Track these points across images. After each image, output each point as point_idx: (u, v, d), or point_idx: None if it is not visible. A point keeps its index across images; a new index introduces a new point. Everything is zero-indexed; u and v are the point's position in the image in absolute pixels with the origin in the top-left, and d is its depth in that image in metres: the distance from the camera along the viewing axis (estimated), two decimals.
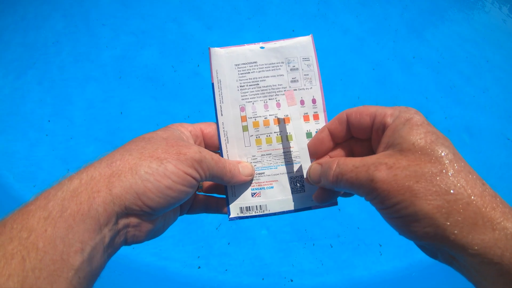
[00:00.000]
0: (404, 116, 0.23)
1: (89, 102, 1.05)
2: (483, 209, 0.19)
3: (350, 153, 0.29)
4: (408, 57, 1.12)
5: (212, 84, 0.31)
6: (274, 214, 0.31)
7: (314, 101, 0.31)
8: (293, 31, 1.15)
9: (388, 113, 0.24)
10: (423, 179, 0.20)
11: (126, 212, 0.22)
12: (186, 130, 0.29)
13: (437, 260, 0.23)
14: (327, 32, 1.15)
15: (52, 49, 1.12)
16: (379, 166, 0.21)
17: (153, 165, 0.22)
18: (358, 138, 0.28)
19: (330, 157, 0.29)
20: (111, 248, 0.22)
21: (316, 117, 0.31)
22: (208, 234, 0.88)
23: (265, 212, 0.30)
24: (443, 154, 0.21)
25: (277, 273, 0.84)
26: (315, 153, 0.29)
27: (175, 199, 0.24)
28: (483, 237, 0.18)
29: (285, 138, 0.31)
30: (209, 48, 0.31)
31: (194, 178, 0.24)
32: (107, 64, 1.11)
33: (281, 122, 0.31)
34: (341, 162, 0.24)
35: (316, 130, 0.31)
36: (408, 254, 0.85)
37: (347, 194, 0.30)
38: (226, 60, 0.31)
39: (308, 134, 0.31)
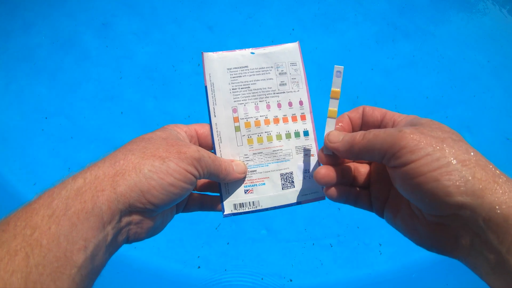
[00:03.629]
0: (412, 116, 0.26)
1: (89, 102, 1.06)
2: (498, 172, 0.20)
3: None
4: (407, 56, 1.11)
5: (205, 87, 0.32)
6: (267, 209, 0.32)
7: (301, 103, 0.33)
8: (293, 30, 1.15)
9: (396, 115, 0.27)
10: (448, 140, 0.21)
11: (130, 209, 0.23)
12: (182, 130, 0.30)
13: (453, 253, 0.22)
14: (327, 31, 1.15)
15: (52, 49, 1.13)
16: (404, 127, 0.23)
17: (156, 164, 0.23)
18: None
19: None
20: (113, 246, 0.23)
21: (303, 117, 0.33)
22: (208, 234, 0.88)
23: (258, 208, 0.32)
24: (454, 133, 0.23)
25: (277, 273, 0.84)
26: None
27: (176, 196, 0.25)
28: (505, 197, 0.19)
29: (275, 138, 0.33)
30: (202, 53, 0.32)
31: (193, 175, 0.26)
32: (108, 64, 1.11)
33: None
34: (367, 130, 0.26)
35: (303, 130, 0.33)
36: (408, 253, 0.85)
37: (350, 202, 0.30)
38: (219, 64, 0.32)
39: (296, 134, 0.33)
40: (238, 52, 0.32)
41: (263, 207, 0.32)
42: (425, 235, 0.23)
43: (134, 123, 1.02)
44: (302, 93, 0.33)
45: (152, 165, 0.23)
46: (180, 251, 0.86)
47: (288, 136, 0.33)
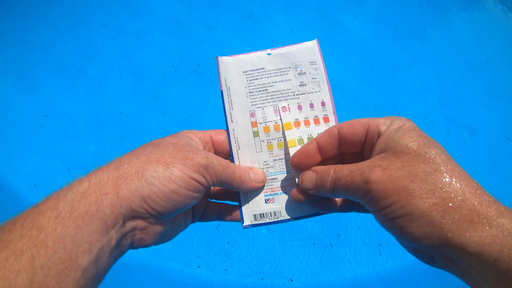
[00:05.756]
0: (396, 123, 0.23)
1: (89, 101, 1.06)
2: (478, 207, 0.19)
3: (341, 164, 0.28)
4: (407, 56, 1.12)
5: (221, 91, 0.31)
6: (289, 220, 0.30)
7: (323, 104, 0.31)
8: (292, 30, 1.15)
9: (381, 122, 0.24)
10: (418, 178, 0.20)
11: (133, 214, 0.22)
12: (196, 136, 0.29)
13: (434, 266, 0.22)
14: (327, 31, 1.15)
15: (52, 49, 1.13)
16: (374, 169, 0.21)
17: (159, 169, 0.23)
18: (348, 152, 0.27)
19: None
20: (117, 250, 0.22)
21: (326, 119, 0.30)
22: (208, 233, 0.88)
23: (280, 219, 0.30)
24: (435, 155, 0.21)
25: (277, 272, 0.84)
26: (299, 165, 0.27)
27: (180, 204, 0.24)
28: (480, 234, 0.18)
29: (297, 142, 0.30)
30: (216, 57, 0.31)
31: (200, 183, 0.24)
32: (108, 64, 1.11)
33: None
34: (337, 169, 0.24)
35: None
36: (407, 253, 0.85)
37: (342, 208, 0.29)
38: (234, 67, 0.31)
39: None
40: (253, 54, 0.31)
41: (285, 218, 0.30)
42: (409, 250, 0.24)
43: (134, 123, 1.02)
44: (324, 93, 0.31)
45: (155, 170, 0.23)
46: (180, 251, 0.86)
47: (310, 140, 0.30)
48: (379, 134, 0.24)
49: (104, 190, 0.21)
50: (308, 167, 0.27)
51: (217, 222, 0.89)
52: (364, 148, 0.25)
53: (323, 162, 0.27)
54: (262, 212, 0.30)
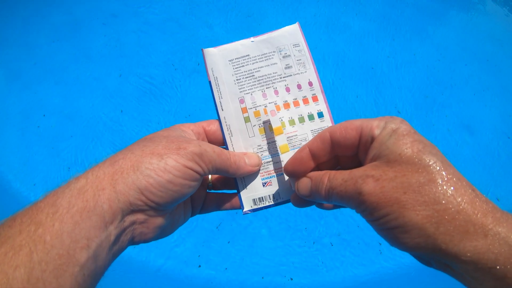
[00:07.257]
0: (390, 126, 0.22)
1: (89, 100, 1.06)
2: (474, 216, 0.19)
3: (336, 168, 0.28)
4: (408, 55, 1.11)
5: (209, 82, 0.31)
6: (288, 201, 0.30)
7: (310, 83, 0.31)
8: None
9: (374, 124, 0.23)
10: (411, 189, 0.20)
11: (132, 208, 0.22)
12: (188, 128, 0.29)
13: (431, 267, 0.22)
14: (327, 30, 1.15)
15: (52, 48, 1.12)
16: (366, 179, 0.21)
17: (154, 161, 0.23)
18: (343, 155, 0.26)
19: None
20: (117, 246, 0.23)
21: (315, 98, 0.31)
22: (208, 233, 0.88)
23: (279, 201, 0.30)
24: (430, 162, 0.20)
25: (277, 271, 0.84)
26: (294, 173, 0.27)
27: (177, 193, 0.24)
28: (475, 243, 0.18)
29: (288, 123, 0.31)
30: (202, 50, 0.32)
31: (195, 171, 0.25)
32: (107, 63, 1.11)
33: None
34: (331, 176, 0.24)
35: (317, 111, 0.31)
36: (407, 253, 0.85)
37: (336, 206, 0.29)
38: (220, 57, 0.31)
39: (310, 116, 0.31)
40: (237, 43, 0.32)
41: (284, 199, 0.30)
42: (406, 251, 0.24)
43: (134, 122, 1.02)
44: (310, 73, 0.31)
45: (149, 162, 0.23)
46: (180, 250, 0.86)
47: (301, 120, 0.31)
48: (372, 138, 0.23)
49: (101, 186, 0.21)
50: (302, 174, 0.27)
51: (218, 221, 0.89)
52: (358, 151, 0.25)
53: (318, 165, 0.27)
54: (261, 196, 0.30)
